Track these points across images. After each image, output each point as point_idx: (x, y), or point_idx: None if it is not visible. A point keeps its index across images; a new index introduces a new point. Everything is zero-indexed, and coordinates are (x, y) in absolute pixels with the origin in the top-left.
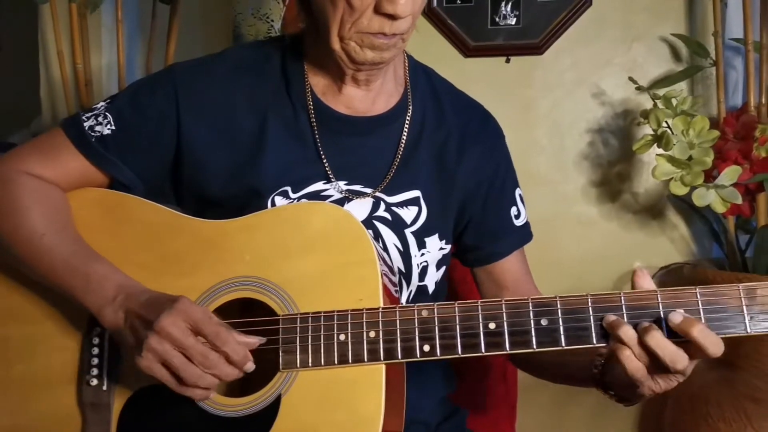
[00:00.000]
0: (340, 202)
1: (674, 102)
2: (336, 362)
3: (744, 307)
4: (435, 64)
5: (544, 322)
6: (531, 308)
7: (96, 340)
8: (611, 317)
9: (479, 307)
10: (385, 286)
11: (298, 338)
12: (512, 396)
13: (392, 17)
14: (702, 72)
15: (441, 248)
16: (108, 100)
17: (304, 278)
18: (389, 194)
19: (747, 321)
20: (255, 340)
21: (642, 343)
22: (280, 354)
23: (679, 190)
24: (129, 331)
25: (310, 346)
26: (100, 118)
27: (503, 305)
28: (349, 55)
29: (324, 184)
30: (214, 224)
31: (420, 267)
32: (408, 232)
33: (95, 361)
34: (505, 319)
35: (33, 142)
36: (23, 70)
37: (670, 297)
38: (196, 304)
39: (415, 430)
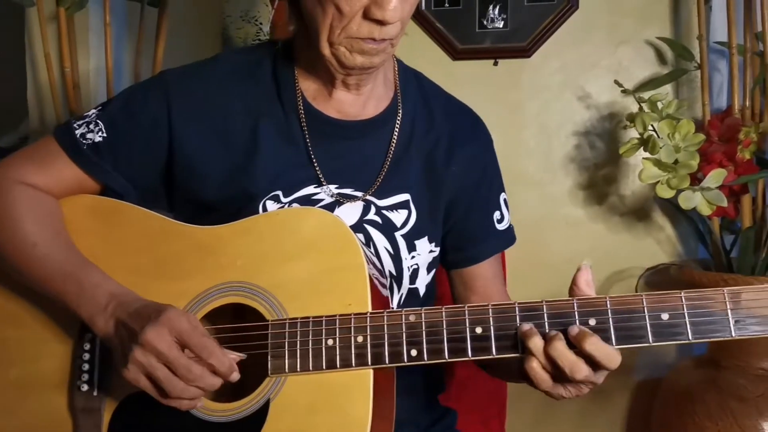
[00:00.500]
0: (332, 205)
1: (660, 105)
2: (324, 367)
3: (729, 311)
4: (423, 67)
5: (527, 327)
6: (517, 313)
7: (87, 346)
8: (526, 326)
9: (466, 312)
10: (375, 288)
11: (286, 343)
12: (502, 396)
13: (381, 23)
14: (687, 75)
15: (431, 251)
16: (99, 107)
17: (293, 283)
18: (379, 197)
19: (732, 325)
20: (235, 356)
21: (545, 352)
22: (269, 359)
23: (666, 193)
24: (118, 340)
25: (298, 351)
26: (91, 126)
27: (490, 310)
28: (339, 60)
29: (315, 188)
30: (206, 230)
31: (411, 270)
32: (398, 235)
33: (86, 366)
34: (491, 323)
35: (25, 150)
36: (9, 73)
37: (655, 301)
38: (184, 314)
39: (405, 431)
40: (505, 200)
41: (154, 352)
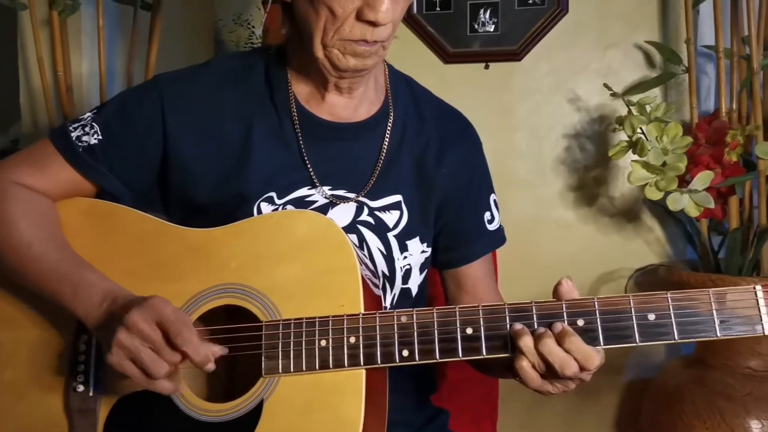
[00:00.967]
0: (325, 207)
1: (648, 109)
2: (317, 367)
3: (714, 312)
4: (415, 70)
5: (519, 326)
6: (507, 313)
7: (83, 347)
8: (517, 326)
9: (457, 313)
10: (368, 289)
11: (280, 344)
12: (493, 396)
13: (374, 24)
14: (675, 78)
15: (423, 251)
16: (95, 111)
17: (287, 285)
18: (372, 199)
19: (717, 325)
20: (217, 349)
21: (536, 349)
22: (263, 360)
23: (654, 195)
24: (105, 331)
25: (292, 351)
26: (87, 128)
27: (480, 311)
28: (332, 62)
29: (309, 189)
30: (201, 232)
31: (403, 270)
32: (390, 235)
33: (81, 367)
34: (482, 324)
35: (21, 153)
36: (1, 76)
37: (642, 302)
38: (169, 303)
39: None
40: (495, 201)
41: (140, 334)
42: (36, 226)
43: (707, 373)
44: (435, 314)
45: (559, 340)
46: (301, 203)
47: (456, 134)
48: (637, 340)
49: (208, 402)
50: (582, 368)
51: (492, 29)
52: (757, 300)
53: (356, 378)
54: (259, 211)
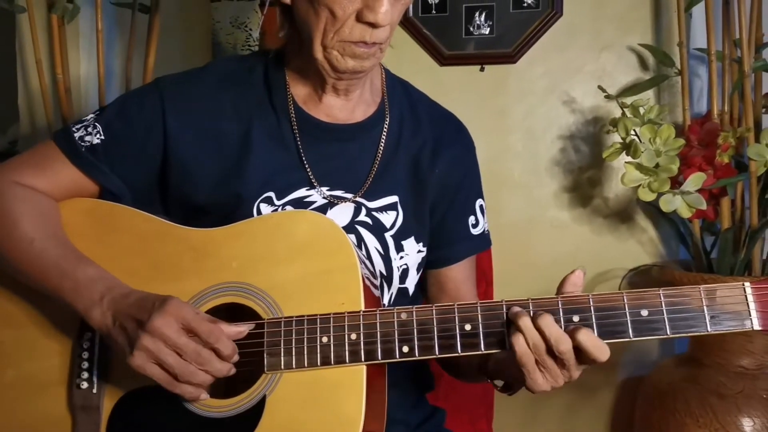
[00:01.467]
0: (324, 207)
1: (642, 111)
2: (319, 364)
3: (705, 308)
4: (412, 73)
5: (517, 309)
6: (505, 310)
7: (86, 344)
8: (516, 308)
9: (456, 310)
10: (367, 288)
11: (282, 341)
12: (489, 394)
13: (373, 25)
14: (668, 80)
15: (419, 251)
16: (97, 112)
17: (288, 283)
18: (369, 199)
19: (708, 321)
20: (244, 328)
21: (535, 326)
22: (265, 356)
23: (647, 196)
24: (119, 331)
25: (293, 348)
26: (89, 129)
27: (478, 308)
28: (332, 63)
29: (307, 190)
30: (202, 232)
31: (400, 270)
32: (387, 235)
33: (85, 364)
34: (480, 321)
35: (24, 154)
36: (1, 79)
37: (635, 298)
38: (186, 303)
39: (395, 430)
40: (481, 206)
41: (163, 338)
42: (37, 224)
43: (700, 372)
44: (434, 311)
45: (572, 334)
46: (300, 204)
47: (450, 136)
48: (631, 336)
49: (211, 398)
50: (593, 359)
51: (487, 32)
52: (746, 296)
53: (357, 374)
54: (259, 212)
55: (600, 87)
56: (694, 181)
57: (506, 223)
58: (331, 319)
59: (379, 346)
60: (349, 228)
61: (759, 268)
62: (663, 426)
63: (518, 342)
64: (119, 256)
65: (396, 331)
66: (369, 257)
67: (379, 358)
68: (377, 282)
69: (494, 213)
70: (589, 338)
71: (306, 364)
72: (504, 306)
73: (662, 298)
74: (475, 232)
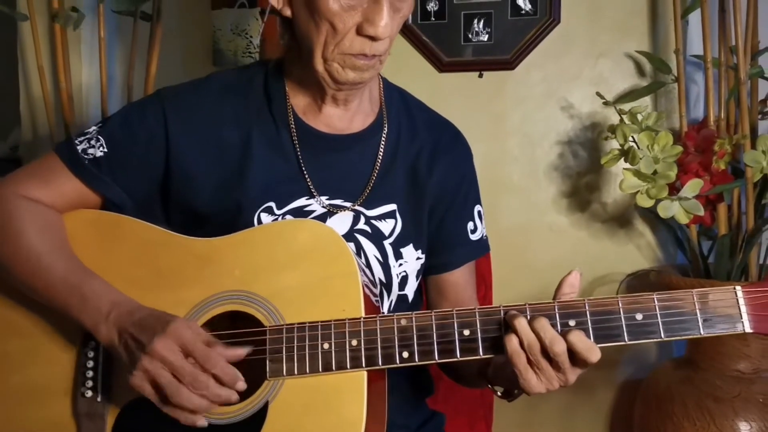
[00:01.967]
0: (323, 216)
1: (639, 118)
2: (320, 370)
3: (698, 311)
4: (411, 79)
5: (514, 312)
6: (502, 316)
7: (91, 354)
8: (513, 312)
9: (454, 315)
10: (366, 297)
11: (284, 348)
12: (488, 397)
13: (373, 38)
14: (665, 87)
15: (418, 258)
16: (99, 124)
17: (289, 291)
18: (368, 208)
19: (701, 324)
20: (242, 351)
21: (530, 326)
22: (267, 363)
23: (645, 202)
24: (123, 349)
25: (295, 354)
26: (92, 141)
27: (476, 313)
28: (332, 75)
29: (307, 199)
30: (205, 241)
31: (400, 277)
32: (386, 243)
33: (90, 373)
34: (478, 326)
35: (27, 167)
36: (1, 84)
37: (630, 302)
38: (188, 325)
39: None
40: (479, 212)
41: (162, 360)
42: (43, 238)
43: (697, 375)
44: (433, 317)
45: (564, 334)
46: (300, 213)
47: (448, 143)
48: (626, 339)
49: None
50: (584, 360)
51: (485, 38)
52: (737, 299)
53: (358, 380)
54: (259, 221)
55: (598, 93)
56: (692, 187)
57: (504, 227)
58: (332, 325)
59: (380, 351)
60: (348, 236)
61: (755, 273)
62: (660, 429)
63: (510, 341)
64: (123, 266)
65: (396, 337)
66: (368, 265)
67: (380, 363)
68: (376, 290)
69: (493, 217)
70: (580, 339)
71: (308, 371)
72: (502, 311)
73: (656, 302)
74: (473, 237)
